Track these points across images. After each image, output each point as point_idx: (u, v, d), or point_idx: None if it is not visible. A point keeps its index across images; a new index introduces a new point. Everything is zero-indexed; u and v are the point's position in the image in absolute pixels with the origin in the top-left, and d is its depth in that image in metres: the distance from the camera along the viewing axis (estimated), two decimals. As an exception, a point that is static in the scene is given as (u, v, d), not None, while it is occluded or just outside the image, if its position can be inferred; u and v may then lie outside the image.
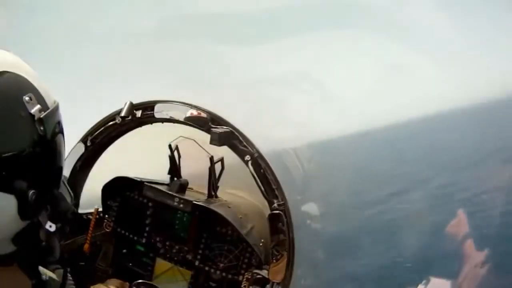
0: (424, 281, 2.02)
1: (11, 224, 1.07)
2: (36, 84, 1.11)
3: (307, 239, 2.13)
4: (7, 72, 1.05)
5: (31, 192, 1.05)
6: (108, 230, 2.41)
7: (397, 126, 2.53)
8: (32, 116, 1.06)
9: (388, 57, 2.44)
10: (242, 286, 2.16)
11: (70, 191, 1.27)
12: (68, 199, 1.23)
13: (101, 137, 2.36)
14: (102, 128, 2.35)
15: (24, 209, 1.05)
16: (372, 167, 2.43)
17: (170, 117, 2.23)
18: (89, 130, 2.36)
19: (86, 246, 2.25)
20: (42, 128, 1.07)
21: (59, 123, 1.17)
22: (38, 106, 1.08)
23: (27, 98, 1.06)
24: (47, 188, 1.14)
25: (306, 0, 2.68)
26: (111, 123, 2.34)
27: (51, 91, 1.18)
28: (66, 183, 1.26)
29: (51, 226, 1.14)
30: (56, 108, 1.16)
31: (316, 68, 2.54)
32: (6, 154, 0.99)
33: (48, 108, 1.12)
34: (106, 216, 2.42)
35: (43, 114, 1.08)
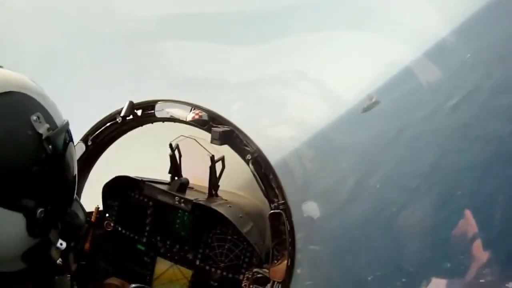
0: (425, 282, 2.03)
1: (20, 242, 1.06)
2: (44, 103, 1.10)
3: (308, 238, 2.13)
4: (14, 92, 1.05)
5: (39, 210, 1.04)
6: (109, 229, 2.40)
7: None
8: (40, 135, 1.05)
9: (387, 56, 2.45)
10: (243, 285, 2.16)
11: (83, 207, 1.27)
12: (81, 216, 1.23)
13: (102, 137, 2.37)
14: (103, 128, 2.35)
15: (32, 228, 1.05)
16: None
17: (171, 116, 2.23)
18: (89, 130, 2.37)
19: (87, 245, 2.24)
20: (50, 146, 1.07)
21: (68, 141, 1.15)
22: (46, 125, 1.07)
23: (34, 118, 1.05)
24: (57, 206, 1.12)
25: (304, 0, 2.68)
26: (111, 122, 2.34)
27: (59, 111, 1.17)
28: (78, 199, 1.26)
29: (61, 244, 1.15)
30: (65, 127, 1.15)
31: (315, 67, 2.54)
32: (13, 172, 0.99)
33: (56, 127, 1.11)
34: (107, 215, 2.42)
35: (51, 133, 1.07)
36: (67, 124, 1.17)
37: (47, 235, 1.11)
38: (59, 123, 1.13)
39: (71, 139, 1.18)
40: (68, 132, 1.17)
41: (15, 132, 1.02)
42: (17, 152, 1.01)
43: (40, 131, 1.05)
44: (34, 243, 1.08)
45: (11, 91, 1.04)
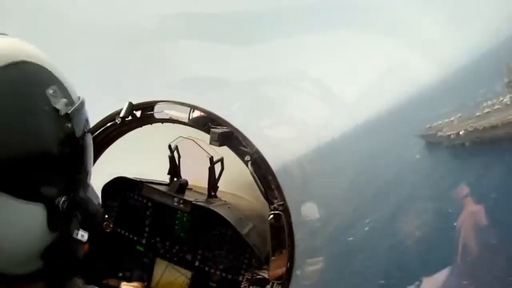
0: (417, 282, 2.03)
1: (39, 238, 0.93)
2: (58, 75, 0.97)
3: (307, 239, 2.13)
4: (27, 62, 0.91)
5: (61, 199, 0.91)
6: (108, 231, 2.41)
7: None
8: (57, 111, 0.91)
9: (388, 57, 2.43)
10: (242, 286, 2.16)
11: (96, 193, 1.12)
12: (95, 201, 1.08)
13: (101, 137, 2.37)
14: (102, 128, 2.35)
15: (54, 220, 0.92)
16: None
17: (170, 117, 2.23)
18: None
19: (86, 246, 2.24)
20: (69, 124, 0.93)
21: (86, 120, 1.03)
22: (64, 100, 0.93)
23: (51, 91, 0.91)
24: (77, 193, 0.99)
25: (305, 0, 2.67)
26: (110, 123, 2.34)
27: (74, 86, 1.03)
28: (91, 184, 1.11)
29: (83, 236, 1.02)
30: (83, 104, 1.01)
31: (316, 67, 2.53)
32: (30, 156, 0.86)
33: (74, 103, 0.97)
34: (106, 216, 2.42)
35: (69, 109, 0.93)
36: (83, 101, 1.02)
37: (68, 228, 0.98)
38: (75, 98, 1.00)
39: (89, 129, 1.05)
40: (87, 120, 1.03)
41: (30, 110, 0.88)
42: (34, 134, 0.88)
43: (58, 106, 0.91)
44: (54, 238, 0.95)
45: (23, 61, 0.90)
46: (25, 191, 0.85)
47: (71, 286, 1.18)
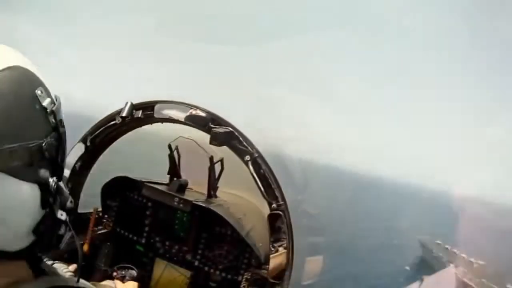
0: (417, 281, 2.03)
1: (34, 214, 1.10)
2: (42, 79, 1.15)
3: (306, 238, 2.12)
4: (18, 66, 1.08)
5: (52, 180, 1.10)
6: (107, 230, 2.40)
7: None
8: (45, 108, 1.10)
9: (389, 60, 2.43)
10: (242, 286, 2.15)
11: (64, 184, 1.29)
12: (66, 190, 1.23)
13: (101, 137, 2.35)
14: (102, 128, 2.33)
15: (46, 198, 1.10)
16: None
17: (170, 117, 2.22)
18: (89, 130, 2.35)
19: (86, 246, 2.24)
20: (54, 120, 1.12)
21: (62, 120, 1.20)
22: (49, 99, 1.12)
23: (39, 92, 1.10)
24: (60, 178, 1.17)
25: (306, 3, 2.66)
26: (111, 123, 2.32)
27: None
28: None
29: (62, 215, 1.18)
30: (60, 103, 1.18)
31: (316, 69, 2.53)
32: (31, 145, 1.05)
33: (55, 102, 1.15)
34: (106, 216, 2.42)
35: (54, 107, 1.13)
36: (60, 101, 1.20)
37: (53, 208, 1.14)
38: (54, 98, 1.16)
39: (64, 125, 1.21)
40: (62, 117, 1.20)
41: (26, 107, 1.07)
42: (31, 126, 1.07)
43: (45, 105, 1.10)
44: (42, 215, 1.12)
45: (15, 66, 1.08)
46: (25, 173, 1.04)
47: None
